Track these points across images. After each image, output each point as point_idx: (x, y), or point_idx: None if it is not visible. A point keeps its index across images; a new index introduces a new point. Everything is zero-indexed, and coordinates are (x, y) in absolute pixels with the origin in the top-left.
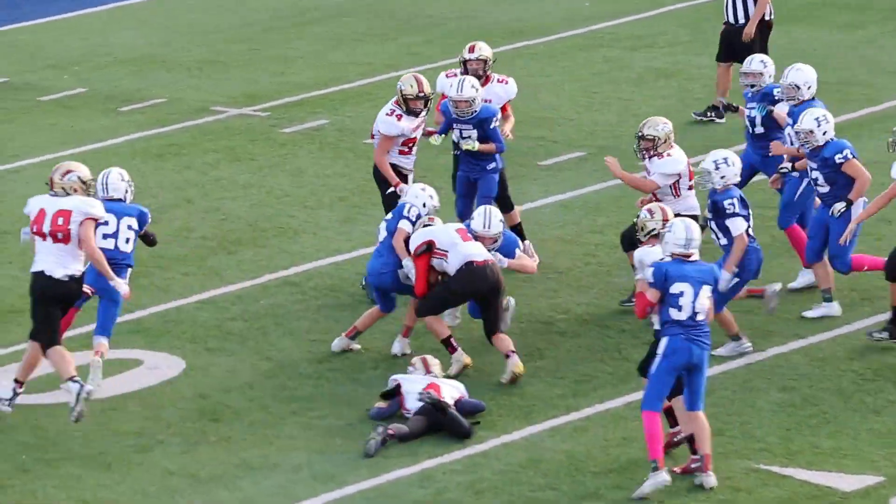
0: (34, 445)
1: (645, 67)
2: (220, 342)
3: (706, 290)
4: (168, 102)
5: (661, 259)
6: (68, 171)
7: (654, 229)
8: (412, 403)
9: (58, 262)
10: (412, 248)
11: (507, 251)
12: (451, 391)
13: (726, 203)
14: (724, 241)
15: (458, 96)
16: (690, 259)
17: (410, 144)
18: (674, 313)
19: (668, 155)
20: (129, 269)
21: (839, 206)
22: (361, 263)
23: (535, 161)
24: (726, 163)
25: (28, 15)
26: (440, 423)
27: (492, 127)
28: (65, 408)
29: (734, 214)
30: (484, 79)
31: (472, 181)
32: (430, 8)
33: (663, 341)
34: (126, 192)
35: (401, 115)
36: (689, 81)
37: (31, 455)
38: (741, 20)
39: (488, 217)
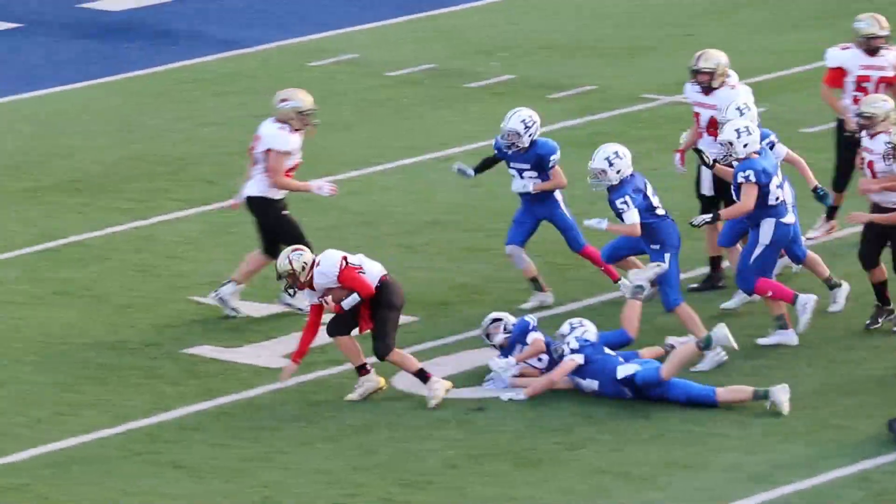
0: (463, 441)
1: None
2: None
3: None
4: (598, 90)
5: None
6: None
7: None
8: None
9: None
10: (336, 269)
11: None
12: None
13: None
14: None
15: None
16: None
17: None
18: None
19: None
20: None
21: (701, 218)
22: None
23: None
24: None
25: None
26: None
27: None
28: (497, 404)
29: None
30: (713, 88)
31: None
32: None
33: None
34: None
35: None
36: None
37: (458, 451)
38: None
39: None
